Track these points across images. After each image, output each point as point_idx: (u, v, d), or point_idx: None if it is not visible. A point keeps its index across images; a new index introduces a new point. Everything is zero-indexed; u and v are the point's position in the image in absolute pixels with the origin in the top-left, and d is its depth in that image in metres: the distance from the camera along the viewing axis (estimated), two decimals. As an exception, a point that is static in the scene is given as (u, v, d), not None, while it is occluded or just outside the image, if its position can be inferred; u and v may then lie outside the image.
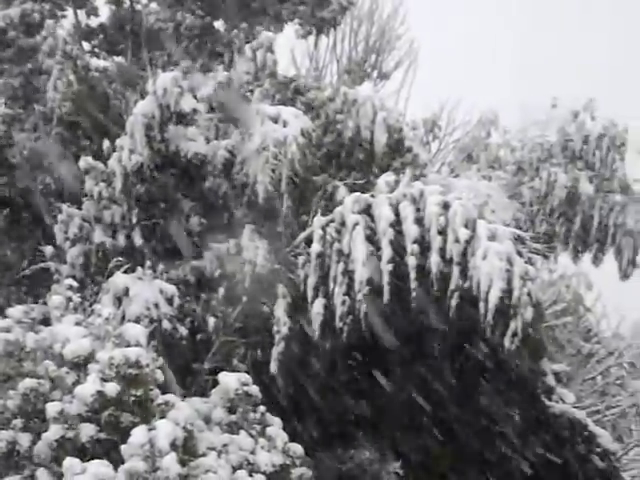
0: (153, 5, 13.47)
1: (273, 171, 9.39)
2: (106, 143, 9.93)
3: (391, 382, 10.35)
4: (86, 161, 9.94)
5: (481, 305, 8.59)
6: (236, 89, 10.55)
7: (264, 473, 7.73)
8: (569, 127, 12.39)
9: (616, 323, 15.51)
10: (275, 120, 9.67)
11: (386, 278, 8.78)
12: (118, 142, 9.81)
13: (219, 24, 13.30)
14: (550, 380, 11.49)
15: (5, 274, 10.92)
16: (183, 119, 9.76)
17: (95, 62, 11.83)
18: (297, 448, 8.00)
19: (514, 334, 8.52)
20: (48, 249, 10.00)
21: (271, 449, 7.88)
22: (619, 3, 25.07)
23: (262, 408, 8.04)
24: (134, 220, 9.68)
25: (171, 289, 9.30)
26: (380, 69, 15.35)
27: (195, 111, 9.77)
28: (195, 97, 9.89)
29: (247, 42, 11.28)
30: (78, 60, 11.23)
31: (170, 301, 9.27)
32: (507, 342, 8.54)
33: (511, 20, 24.22)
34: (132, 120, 9.71)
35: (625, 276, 12.18)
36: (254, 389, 8.07)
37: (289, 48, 14.59)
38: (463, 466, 10.90)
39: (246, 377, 8.14)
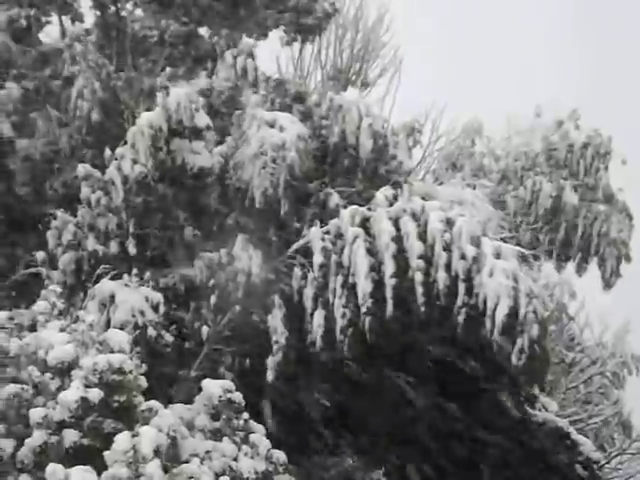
0: (138, 12, 13.45)
1: (272, 175, 9.37)
2: (107, 151, 9.90)
3: (377, 391, 10.36)
4: (84, 168, 9.91)
5: (487, 322, 8.63)
6: (217, 96, 10.55)
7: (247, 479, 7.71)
8: (553, 136, 12.47)
9: (599, 332, 15.60)
10: (271, 125, 9.66)
11: (389, 292, 8.78)
12: (118, 151, 9.72)
13: (203, 31, 13.30)
14: (533, 389, 11.53)
15: None
16: (194, 134, 9.73)
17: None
18: (280, 455, 7.99)
19: (521, 351, 8.58)
20: (40, 255, 9.98)
21: (254, 456, 7.86)
22: (610, 12, 25.29)
23: (245, 415, 8.02)
24: (131, 229, 9.65)
25: (157, 296, 9.27)
26: (365, 76, 15.39)
27: (208, 127, 9.76)
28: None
29: (228, 48, 11.29)
30: (103, 68, 11.27)
31: (156, 308, 9.24)
32: (514, 359, 8.60)
33: (497, 28, 24.36)
34: (135, 130, 9.64)
35: (608, 285, 12.24)
36: (237, 396, 8.05)
37: (274, 55, 14.61)
38: (446, 474, 10.92)
39: (230, 384, 8.12)
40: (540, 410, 11.54)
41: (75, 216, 9.86)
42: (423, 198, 9.39)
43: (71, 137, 11.22)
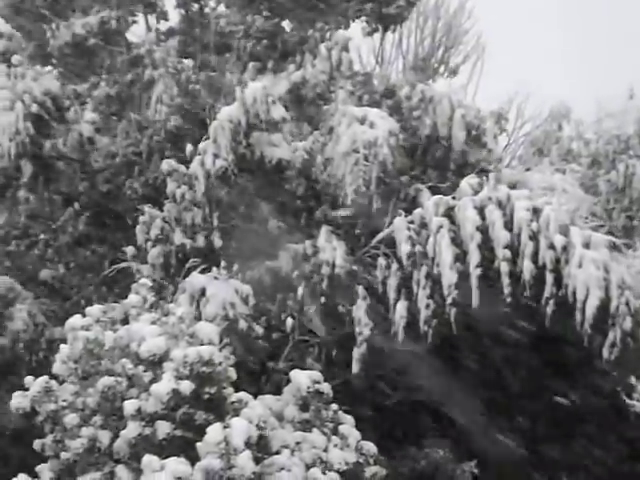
0: (221, 8, 13.58)
1: (364, 173, 9.33)
2: (189, 147, 10.05)
3: (470, 383, 10.22)
4: (169, 163, 10.09)
5: (577, 314, 8.42)
6: (311, 88, 10.54)
7: (337, 471, 7.70)
8: (648, 117, 12.11)
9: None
10: (362, 122, 9.60)
11: (475, 282, 8.64)
12: (201, 146, 9.86)
13: (285, 24, 13.33)
14: (630, 378, 11.20)
15: (86, 275, 11.22)
16: (271, 127, 9.78)
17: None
18: (370, 446, 7.96)
19: (613, 344, 8.35)
20: (129, 249, 10.21)
21: (344, 447, 7.85)
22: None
23: (334, 406, 8.02)
24: (215, 222, 9.77)
25: (246, 289, 9.36)
26: (447, 64, 15.21)
27: (284, 120, 9.79)
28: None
29: (322, 41, 11.28)
30: (182, 73, 11.47)
31: (246, 301, 9.33)
32: (606, 352, 8.38)
33: (582, 10, 23.70)
34: (216, 125, 9.74)
35: None
36: (326, 387, 8.05)
37: (354, 46, 14.50)
38: (540, 466, 10.72)
39: (318, 375, 8.13)
40: (638, 401, 11.19)
41: (161, 211, 10.04)
42: (513, 186, 9.21)
43: (151, 139, 11.43)
